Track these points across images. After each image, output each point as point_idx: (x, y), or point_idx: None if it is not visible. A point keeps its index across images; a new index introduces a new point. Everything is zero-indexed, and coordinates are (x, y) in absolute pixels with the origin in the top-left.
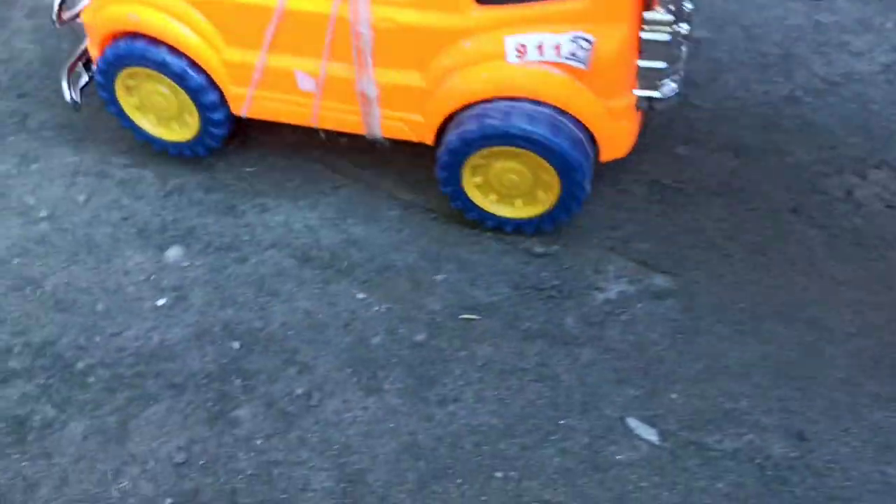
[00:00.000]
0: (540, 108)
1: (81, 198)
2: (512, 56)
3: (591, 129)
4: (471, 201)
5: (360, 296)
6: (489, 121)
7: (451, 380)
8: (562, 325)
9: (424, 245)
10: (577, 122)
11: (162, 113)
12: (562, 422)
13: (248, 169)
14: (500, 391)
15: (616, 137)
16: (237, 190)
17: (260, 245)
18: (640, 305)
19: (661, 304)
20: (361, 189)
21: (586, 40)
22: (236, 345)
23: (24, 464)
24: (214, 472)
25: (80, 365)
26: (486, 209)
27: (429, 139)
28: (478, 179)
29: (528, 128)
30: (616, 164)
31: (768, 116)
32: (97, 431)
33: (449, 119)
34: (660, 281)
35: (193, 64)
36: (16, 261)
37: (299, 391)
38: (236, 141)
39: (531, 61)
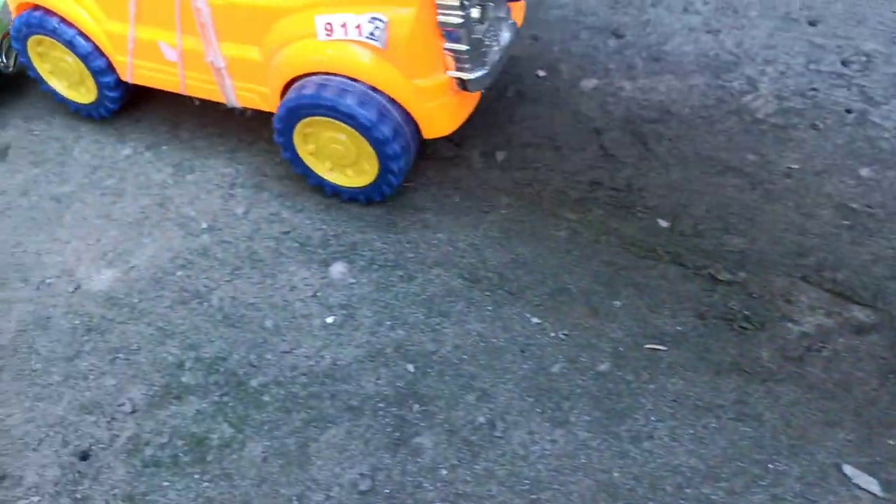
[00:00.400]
0: (336, 79)
1: (240, 210)
2: (322, 34)
3: (403, 105)
4: (309, 168)
5: (535, 320)
6: (293, 93)
7: (643, 414)
8: (757, 359)
9: (596, 268)
10: (391, 98)
11: (70, 78)
12: (770, 466)
13: (406, 184)
14: (696, 429)
15: (433, 115)
16: (396, 205)
17: (425, 263)
18: (841, 340)
19: (864, 340)
20: (523, 207)
21: (381, 20)
22: (411, 367)
23: (205, 484)
24: (401, 501)
25: (254, 383)
26: (322, 176)
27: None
28: (311, 147)
29: (320, 96)
30: (795, 184)
31: None
32: (277, 453)
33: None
34: (860, 314)
35: (81, 33)
36: (179, 273)
37: (481, 420)
38: None
39: (338, 39)
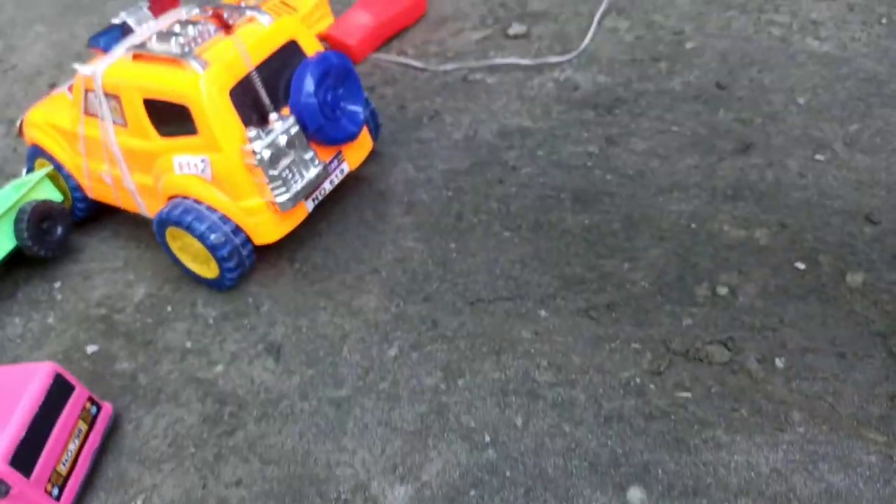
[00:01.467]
0: (190, 202)
1: (519, 421)
2: (177, 169)
3: (234, 220)
4: (178, 259)
5: None
6: (162, 209)
7: None
8: None
9: None
10: (224, 216)
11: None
12: None
13: (682, 394)
14: None
15: (257, 228)
16: (679, 419)
17: (728, 490)
18: None
19: None
20: (821, 425)
21: (206, 161)
22: None
23: None
24: None
25: None
26: (187, 266)
27: None
28: (178, 244)
29: (170, 215)
30: None
31: None
32: None
33: None
34: None
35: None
36: (472, 492)
37: None
38: None
39: (187, 174)
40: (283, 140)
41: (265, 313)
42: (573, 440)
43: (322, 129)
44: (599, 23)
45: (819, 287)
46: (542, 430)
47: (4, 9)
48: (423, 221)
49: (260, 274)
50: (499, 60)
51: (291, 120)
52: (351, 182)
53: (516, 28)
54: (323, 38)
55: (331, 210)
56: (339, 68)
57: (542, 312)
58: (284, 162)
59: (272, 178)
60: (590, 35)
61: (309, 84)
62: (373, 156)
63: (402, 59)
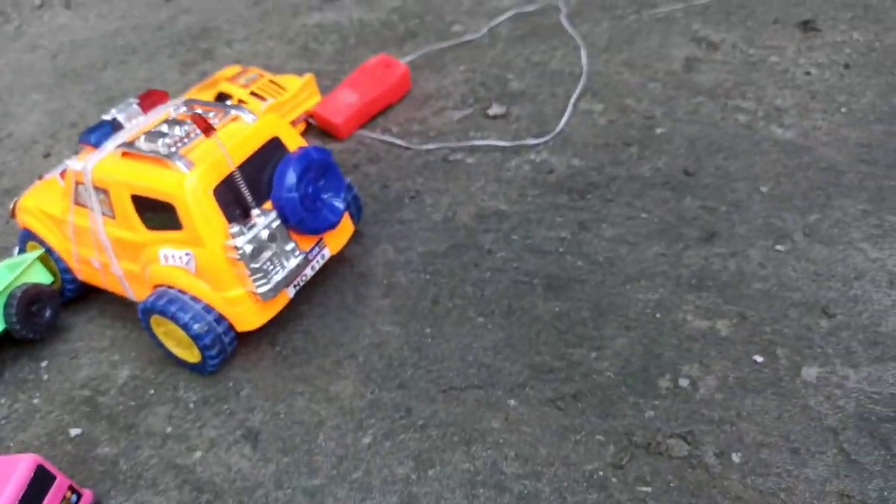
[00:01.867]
0: (174, 292)
1: None
2: (162, 261)
3: (217, 309)
4: (162, 343)
5: None
6: (148, 298)
7: None
8: None
9: None
10: (208, 305)
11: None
12: None
13: (643, 489)
14: None
15: (239, 317)
16: None
17: None
18: None
19: None
20: None
21: (189, 255)
22: None
23: None
24: None
25: None
26: (170, 350)
27: None
28: (162, 330)
29: (163, 306)
30: None
31: None
32: None
33: None
34: None
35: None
36: None
37: None
38: None
39: (172, 265)
40: (264, 234)
41: (244, 398)
42: None
43: (303, 222)
44: (575, 105)
45: (776, 380)
46: None
47: (3, 76)
48: (400, 305)
49: (241, 357)
50: (478, 142)
51: (273, 215)
52: (333, 263)
53: (496, 108)
54: (310, 116)
55: (312, 292)
56: (319, 163)
57: (512, 401)
58: (266, 255)
59: (254, 271)
60: (565, 118)
61: (290, 179)
62: (356, 236)
63: (387, 138)
